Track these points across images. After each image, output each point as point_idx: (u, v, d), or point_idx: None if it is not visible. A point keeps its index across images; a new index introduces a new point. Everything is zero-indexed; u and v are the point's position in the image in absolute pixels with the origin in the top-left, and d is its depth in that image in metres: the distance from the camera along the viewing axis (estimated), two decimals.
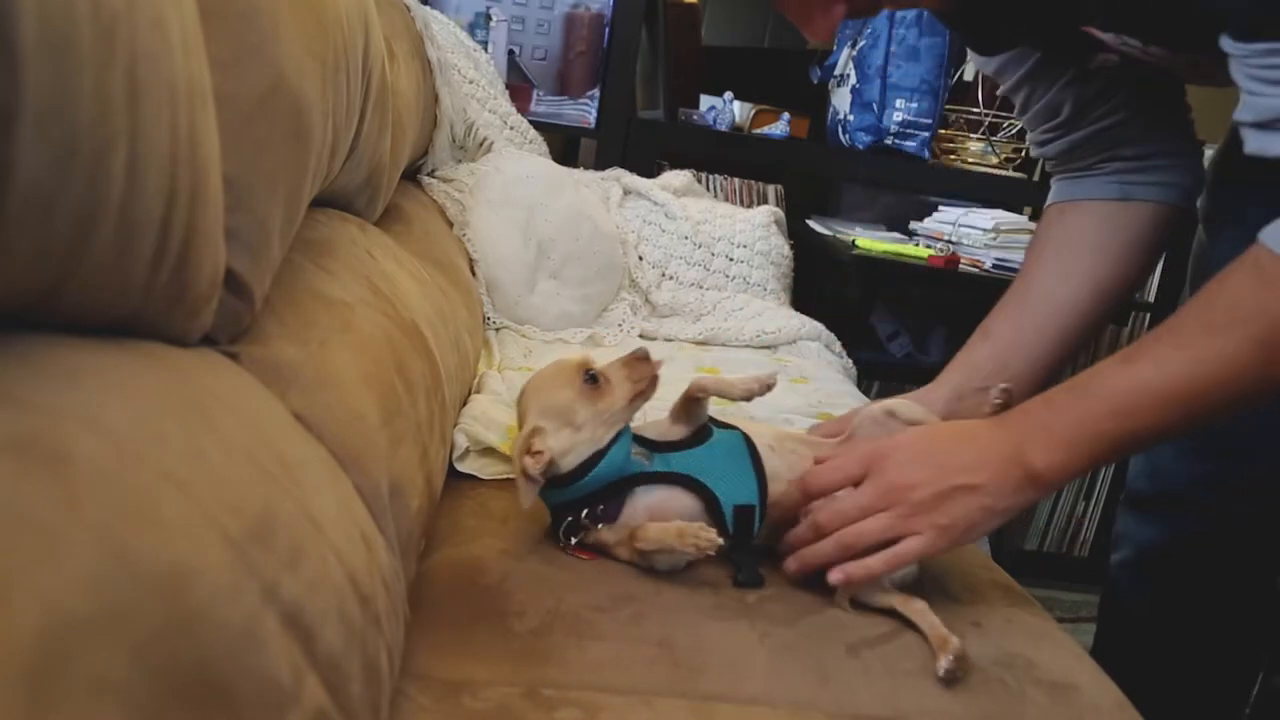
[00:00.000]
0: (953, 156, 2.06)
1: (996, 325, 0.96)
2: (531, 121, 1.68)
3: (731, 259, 1.60)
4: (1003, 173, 2.02)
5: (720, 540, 0.70)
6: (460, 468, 0.89)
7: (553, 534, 0.76)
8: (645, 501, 0.74)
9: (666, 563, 0.73)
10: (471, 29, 1.81)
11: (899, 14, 1.89)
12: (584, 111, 1.92)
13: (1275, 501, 0.99)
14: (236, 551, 0.38)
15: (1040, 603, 0.81)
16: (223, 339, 0.53)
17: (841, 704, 0.63)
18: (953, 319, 2.01)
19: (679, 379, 0.81)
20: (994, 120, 1.99)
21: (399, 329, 0.75)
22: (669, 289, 1.54)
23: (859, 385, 1.43)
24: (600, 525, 0.74)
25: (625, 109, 1.92)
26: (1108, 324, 1.88)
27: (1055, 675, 0.69)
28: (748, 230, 1.61)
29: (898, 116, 1.92)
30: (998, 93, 1.79)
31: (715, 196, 1.85)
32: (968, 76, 1.99)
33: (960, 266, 1.79)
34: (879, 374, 1.99)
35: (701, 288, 1.56)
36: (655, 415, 0.81)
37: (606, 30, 1.89)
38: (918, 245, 1.89)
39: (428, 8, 1.42)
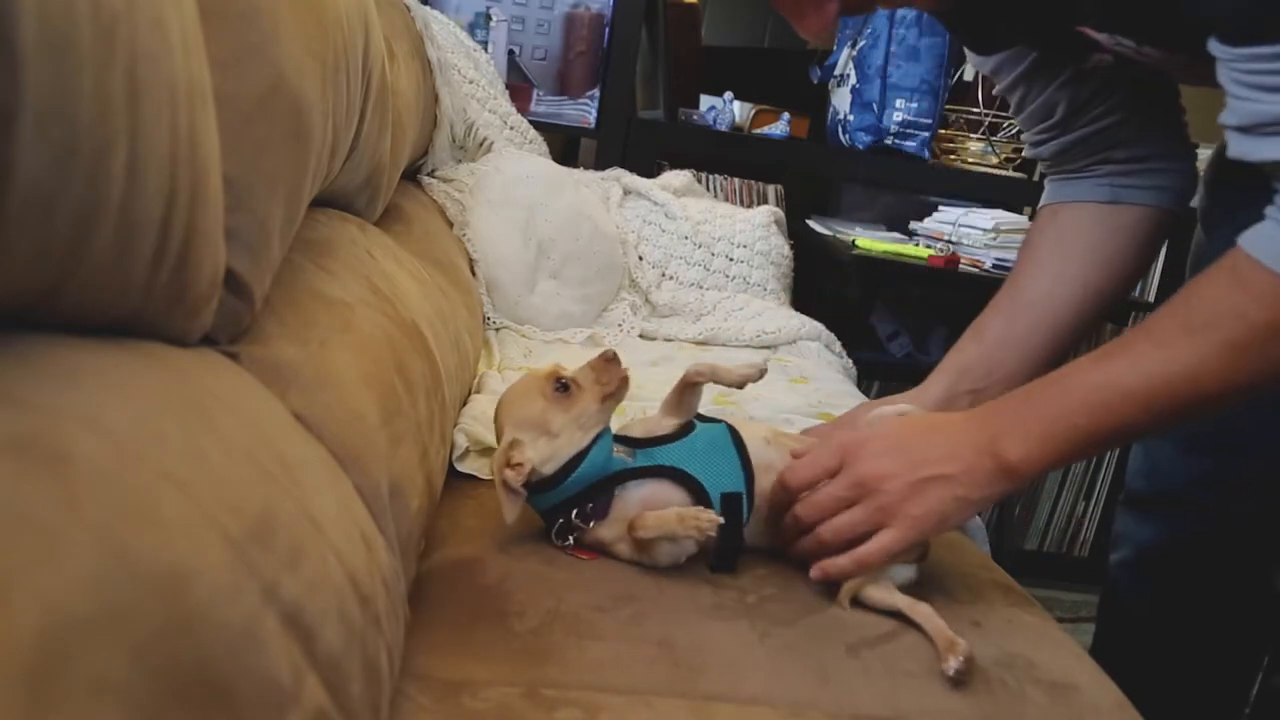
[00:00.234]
0: (953, 156, 2.06)
1: (988, 326, 0.96)
2: (531, 121, 1.68)
3: (731, 259, 1.60)
4: (1003, 173, 2.02)
5: (721, 519, 0.70)
6: (460, 468, 0.89)
7: (547, 537, 0.76)
8: (634, 496, 0.75)
9: (669, 554, 0.73)
10: (471, 29, 1.81)
11: (899, 14, 1.88)
12: (584, 111, 1.92)
13: (1273, 501, 0.99)
14: (236, 551, 0.38)
15: (1040, 603, 0.81)
16: (223, 339, 0.53)
17: (841, 704, 0.63)
18: (953, 319, 2.01)
19: (678, 379, 0.80)
20: (994, 120, 1.99)
21: (399, 329, 0.75)
22: (669, 289, 1.54)
23: (859, 385, 1.43)
24: (592, 523, 0.74)
25: (625, 109, 1.92)
26: (1099, 325, 1.87)
27: (1055, 675, 0.69)
28: (748, 230, 1.61)
29: (898, 116, 1.92)
30: (994, 92, 1.79)
31: (715, 196, 1.85)
32: (968, 76, 1.99)
33: (960, 266, 1.79)
34: (879, 374, 1.99)
35: (701, 288, 1.56)
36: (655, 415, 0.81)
37: (606, 30, 1.89)
38: (918, 245, 1.89)
39: (428, 8, 1.42)
